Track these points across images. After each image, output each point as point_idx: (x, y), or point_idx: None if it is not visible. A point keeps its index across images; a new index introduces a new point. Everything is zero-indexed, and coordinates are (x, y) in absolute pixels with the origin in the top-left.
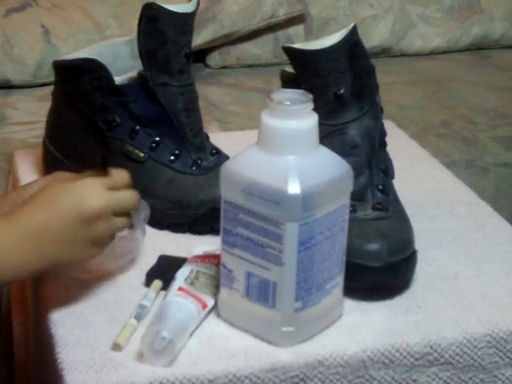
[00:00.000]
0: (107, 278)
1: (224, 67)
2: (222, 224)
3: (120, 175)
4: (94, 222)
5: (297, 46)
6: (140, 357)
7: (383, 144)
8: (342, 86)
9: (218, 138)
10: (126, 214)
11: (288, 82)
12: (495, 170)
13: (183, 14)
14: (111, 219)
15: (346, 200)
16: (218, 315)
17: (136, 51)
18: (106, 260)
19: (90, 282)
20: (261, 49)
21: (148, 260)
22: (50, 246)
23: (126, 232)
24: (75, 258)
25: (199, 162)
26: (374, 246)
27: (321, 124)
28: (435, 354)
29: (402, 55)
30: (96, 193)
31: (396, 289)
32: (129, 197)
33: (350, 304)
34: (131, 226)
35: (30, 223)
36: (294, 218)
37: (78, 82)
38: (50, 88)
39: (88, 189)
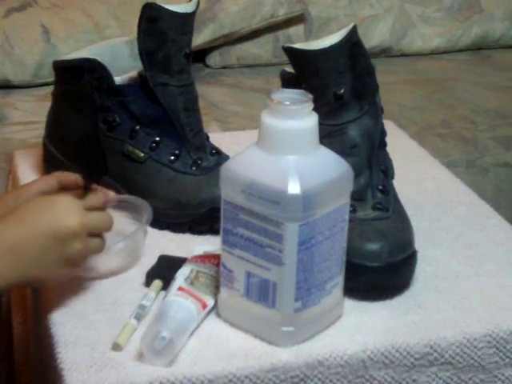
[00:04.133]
0: (108, 278)
1: (224, 67)
2: (222, 224)
3: (96, 197)
4: (69, 241)
5: (297, 46)
6: (140, 357)
7: (383, 144)
8: (342, 86)
9: (218, 138)
10: (100, 235)
11: (288, 82)
12: (495, 170)
13: (183, 13)
14: (86, 240)
15: (345, 200)
16: (218, 315)
17: (136, 51)
18: (108, 260)
19: (91, 281)
20: (261, 49)
21: (148, 260)
22: (24, 261)
23: (127, 231)
24: (47, 275)
25: (199, 162)
26: (373, 246)
27: (321, 124)
28: (435, 354)
29: (402, 55)
30: (73, 212)
31: (396, 289)
32: (104, 218)
33: (350, 304)
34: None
35: (6, 237)
36: (293, 217)
37: (77, 82)
38: (50, 88)
39: (65, 207)
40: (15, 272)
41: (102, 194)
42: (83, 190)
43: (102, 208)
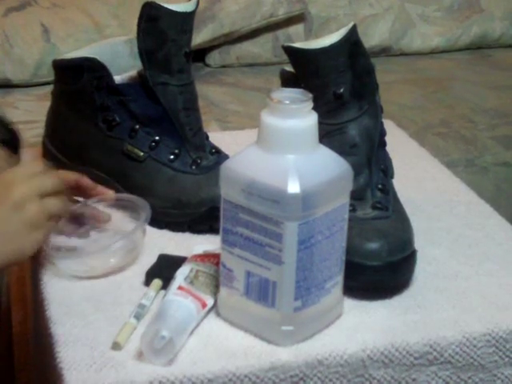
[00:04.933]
0: (107, 277)
1: (224, 66)
2: (222, 223)
3: (34, 164)
4: (22, 206)
5: (296, 45)
6: (140, 356)
7: (383, 143)
8: (342, 86)
9: (218, 138)
10: (57, 195)
11: (288, 81)
12: (495, 170)
13: (183, 13)
14: (41, 201)
15: (345, 199)
16: (218, 314)
17: (136, 50)
18: (106, 259)
19: (90, 281)
20: (260, 48)
21: (148, 259)
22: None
23: (126, 230)
24: (19, 247)
25: (199, 161)
26: (373, 246)
27: (320, 123)
28: (435, 353)
29: (402, 54)
30: (18, 179)
31: (395, 288)
32: (50, 179)
33: (349, 303)
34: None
35: None
36: (293, 217)
37: (77, 82)
38: (50, 87)
39: (10, 177)
40: None
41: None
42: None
43: (45, 171)
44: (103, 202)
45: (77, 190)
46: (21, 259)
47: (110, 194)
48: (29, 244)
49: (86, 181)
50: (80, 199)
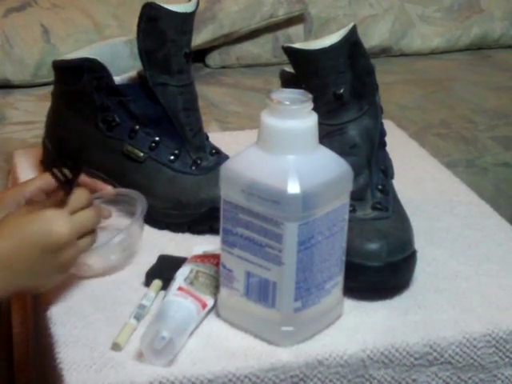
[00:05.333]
0: (107, 278)
1: (224, 67)
2: (222, 224)
3: (80, 195)
4: (61, 251)
5: (296, 45)
6: (140, 356)
7: (383, 144)
8: (342, 86)
9: (218, 138)
10: (90, 232)
11: (288, 81)
12: (495, 170)
13: (183, 13)
14: (76, 244)
15: (345, 200)
16: (218, 315)
17: (136, 51)
18: (104, 256)
19: (90, 281)
20: (260, 49)
21: (148, 260)
22: (13, 275)
23: (124, 226)
24: (40, 285)
25: (199, 161)
26: (373, 246)
27: (320, 124)
28: (435, 354)
29: (402, 55)
30: (60, 222)
31: (396, 288)
32: (91, 215)
33: (349, 304)
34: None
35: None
36: (293, 217)
37: (77, 82)
38: (50, 88)
39: (52, 220)
40: (5, 285)
41: (84, 190)
42: (67, 188)
43: (87, 205)
44: (100, 198)
45: None
46: (33, 293)
47: (109, 189)
48: (49, 284)
49: (86, 179)
50: None
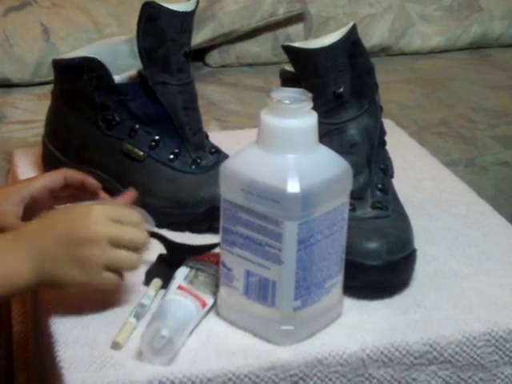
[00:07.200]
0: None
1: (223, 66)
2: (222, 223)
3: (131, 214)
4: (84, 245)
5: (296, 44)
6: (139, 355)
7: (382, 143)
8: (342, 85)
9: (218, 137)
10: (134, 250)
11: (287, 80)
12: (494, 169)
13: (183, 12)
14: (108, 248)
15: (345, 199)
16: (218, 314)
17: (135, 50)
18: None
19: None
20: (260, 48)
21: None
22: (37, 257)
23: None
24: (60, 276)
25: (199, 160)
26: (373, 245)
27: (320, 123)
28: (434, 353)
29: (402, 54)
30: (96, 219)
31: (395, 287)
32: (135, 233)
33: (349, 303)
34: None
35: (33, 244)
36: (293, 216)
37: (77, 81)
38: (50, 87)
39: (91, 213)
40: (33, 266)
41: (136, 212)
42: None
43: (135, 224)
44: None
45: (81, 190)
46: (56, 287)
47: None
48: (68, 277)
49: (91, 181)
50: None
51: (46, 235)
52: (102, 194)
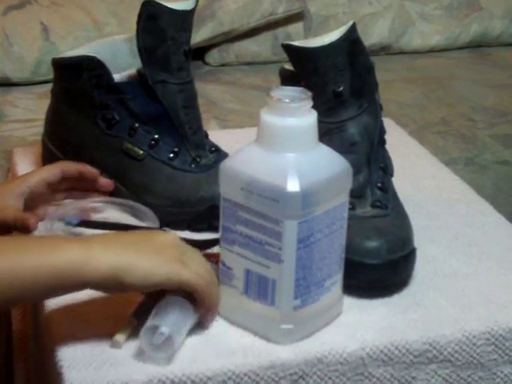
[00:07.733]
0: None
1: (223, 65)
2: (221, 221)
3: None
4: (161, 240)
5: (296, 43)
6: (139, 354)
7: (382, 142)
8: (341, 84)
9: (217, 136)
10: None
11: (287, 79)
12: (494, 168)
13: (182, 11)
14: (184, 250)
15: (345, 198)
16: (217, 313)
17: (135, 49)
18: None
19: None
20: (260, 46)
21: None
22: (117, 248)
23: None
24: (138, 260)
25: (198, 159)
26: (373, 244)
27: (320, 121)
28: (434, 352)
29: (401, 53)
30: (172, 241)
31: (395, 286)
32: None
33: (349, 301)
34: None
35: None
36: (293, 215)
37: (77, 80)
38: (49, 85)
39: (165, 238)
40: (116, 257)
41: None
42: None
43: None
44: (112, 205)
45: (79, 181)
46: (116, 287)
47: (110, 184)
48: (151, 264)
49: (88, 169)
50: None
51: (120, 239)
52: (102, 181)
